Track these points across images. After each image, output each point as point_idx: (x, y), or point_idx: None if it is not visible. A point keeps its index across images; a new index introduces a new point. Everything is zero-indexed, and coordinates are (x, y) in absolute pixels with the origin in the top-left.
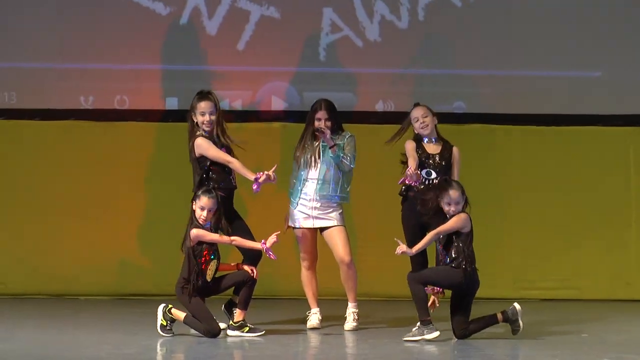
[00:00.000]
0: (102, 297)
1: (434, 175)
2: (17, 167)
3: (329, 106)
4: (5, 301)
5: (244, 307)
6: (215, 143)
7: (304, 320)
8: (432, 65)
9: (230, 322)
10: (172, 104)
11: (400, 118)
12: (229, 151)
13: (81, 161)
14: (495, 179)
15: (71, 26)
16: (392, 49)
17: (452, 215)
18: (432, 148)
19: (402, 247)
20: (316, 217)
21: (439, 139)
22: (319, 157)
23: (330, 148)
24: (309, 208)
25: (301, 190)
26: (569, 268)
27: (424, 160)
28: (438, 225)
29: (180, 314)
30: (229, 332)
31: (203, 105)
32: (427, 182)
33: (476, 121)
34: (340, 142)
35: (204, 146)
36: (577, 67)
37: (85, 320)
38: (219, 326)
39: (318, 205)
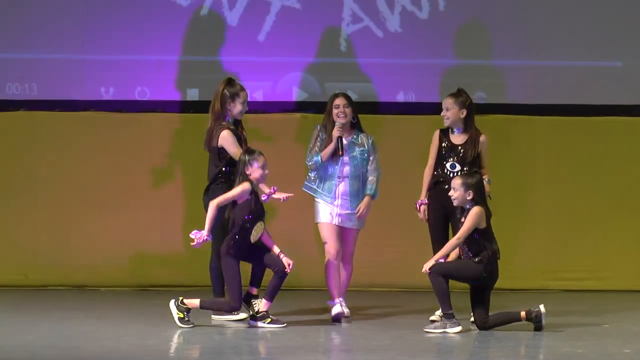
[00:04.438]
0: (123, 288)
1: (458, 167)
2: (38, 159)
3: (346, 95)
4: (27, 292)
5: (270, 299)
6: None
7: (326, 311)
8: (453, 56)
9: (252, 312)
10: (192, 95)
11: (421, 109)
12: (245, 143)
13: (101, 152)
14: (519, 170)
15: (92, 17)
16: (412, 40)
17: (457, 204)
18: (458, 139)
19: (428, 264)
20: (340, 215)
21: (466, 129)
22: (344, 154)
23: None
24: (334, 205)
25: (328, 186)
26: (593, 259)
27: (447, 152)
28: (460, 214)
29: (194, 302)
30: (251, 322)
31: (244, 95)
32: (451, 175)
33: (498, 112)
34: (363, 147)
35: (229, 141)
36: (598, 57)
37: (106, 311)
38: (240, 302)
39: (341, 202)
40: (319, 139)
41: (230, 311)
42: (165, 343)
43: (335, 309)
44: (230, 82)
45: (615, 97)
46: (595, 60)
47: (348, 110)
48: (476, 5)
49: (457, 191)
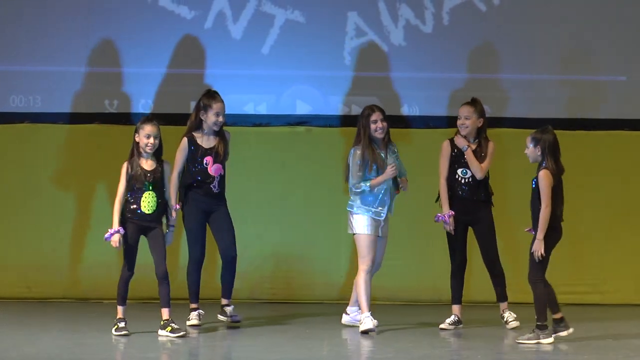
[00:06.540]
0: (127, 300)
1: (469, 173)
2: (41, 171)
3: (380, 107)
4: (30, 305)
5: (165, 306)
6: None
7: (329, 323)
8: (457, 70)
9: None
10: None
11: (425, 122)
12: (219, 156)
13: (105, 165)
14: (520, 185)
15: (96, 30)
16: (416, 53)
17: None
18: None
19: (539, 248)
20: (382, 227)
21: (478, 137)
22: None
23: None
24: (378, 215)
25: (374, 195)
26: (595, 273)
27: (458, 160)
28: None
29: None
30: (159, 331)
31: (217, 107)
32: (462, 181)
33: (501, 125)
34: (396, 154)
35: (179, 148)
36: (602, 71)
37: (109, 323)
38: (129, 271)
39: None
40: (359, 162)
41: (124, 278)
42: (167, 355)
43: (366, 325)
44: (207, 93)
45: (619, 111)
46: (600, 74)
47: (385, 124)
48: (480, 20)
49: (528, 148)
